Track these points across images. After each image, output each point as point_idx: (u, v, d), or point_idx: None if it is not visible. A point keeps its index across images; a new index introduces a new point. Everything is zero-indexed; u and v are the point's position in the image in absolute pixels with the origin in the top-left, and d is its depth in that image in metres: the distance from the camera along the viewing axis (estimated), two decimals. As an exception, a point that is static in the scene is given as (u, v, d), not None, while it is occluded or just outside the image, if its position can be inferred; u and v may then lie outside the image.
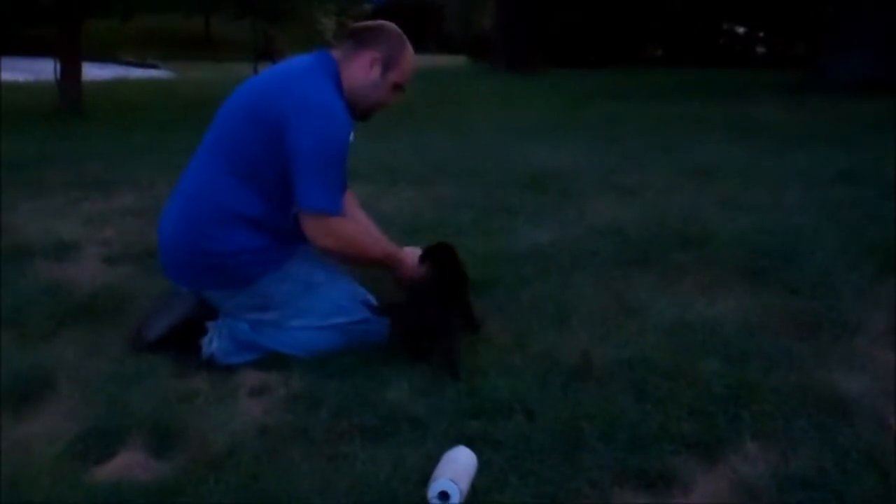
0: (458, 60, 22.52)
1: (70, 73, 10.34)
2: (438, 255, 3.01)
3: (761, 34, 24.42)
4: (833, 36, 12.59)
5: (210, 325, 2.90)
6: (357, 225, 3.06)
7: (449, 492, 2.01)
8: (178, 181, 3.01)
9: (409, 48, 3.00)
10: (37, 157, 6.74)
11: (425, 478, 2.09)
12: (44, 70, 12.81)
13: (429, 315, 2.81)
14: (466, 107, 10.55)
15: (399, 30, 3.00)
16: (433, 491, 2.02)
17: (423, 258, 3.01)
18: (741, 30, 24.58)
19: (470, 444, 2.22)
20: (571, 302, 3.30)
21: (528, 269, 3.70)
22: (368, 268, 3.11)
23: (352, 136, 2.88)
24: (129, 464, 2.26)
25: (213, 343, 2.86)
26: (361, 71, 2.91)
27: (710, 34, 23.58)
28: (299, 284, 2.89)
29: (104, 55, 20.72)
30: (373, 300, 2.97)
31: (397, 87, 3.00)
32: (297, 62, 2.96)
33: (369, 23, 3.05)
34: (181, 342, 2.89)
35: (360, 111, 2.95)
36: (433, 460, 2.16)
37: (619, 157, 6.53)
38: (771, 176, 5.66)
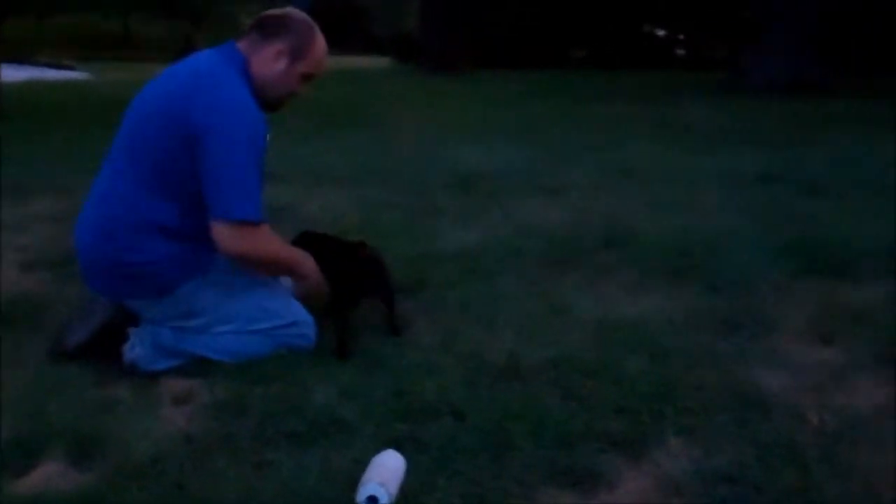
0: (384, 62, 22.50)
1: (-16, 74, 10.09)
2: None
3: (681, 37, 24.86)
4: (753, 38, 12.86)
5: (132, 331, 2.84)
6: (272, 232, 2.85)
7: (377, 496, 2.00)
8: (92, 186, 2.92)
9: (319, 37, 2.89)
10: (-50, 161, 6.55)
11: (354, 482, 2.08)
12: (-43, 71, 12.48)
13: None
14: (392, 108, 10.54)
15: (307, 18, 2.89)
16: (362, 495, 2.01)
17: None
18: (661, 32, 24.98)
19: (398, 447, 2.22)
20: (498, 302, 3.32)
21: (455, 270, 3.71)
22: (277, 275, 3.00)
23: (268, 136, 2.79)
24: (50, 475, 2.21)
25: (134, 349, 2.80)
26: (267, 64, 2.80)
27: (632, 37, 23.91)
28: (221, 290, 2.82)
29: (20, 56, 20.25)
30: (297, 304, 2.95)
31: (307, 77, 2.89)
32: (203, 59, 2.82)
33: (274, 11, 2.90)
34: (101, 350, 2.82)
35: (268, 103, 2.83)
36: (361, 464, 2.15)
37: (544, 158, 6.58)
38: (693, 176, 5.76)
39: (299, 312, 2.93)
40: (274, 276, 2.97)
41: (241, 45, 2.83)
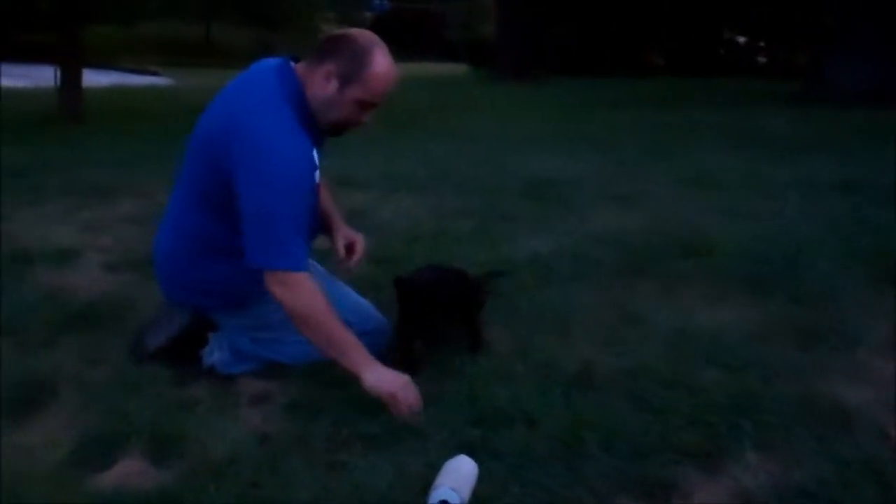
0: (459, 68, 22.53)
1: (70, 79, 10.35)
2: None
3: (762, 43, 24.46)
4: (835, 46, 12.60)
5: (211, 335, 2.89)
6: (313, 286, 2.57)
7: (450, 500, 2.00)
8: (168, 203, 2.96)
9: (379, 61, 2.58)
10: (36, 163, 6.73)
11: (426, 486, 2.09)
12: (44, 76, 12.82)
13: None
14: (467, 115, 10.55)
15: (370, 40, 2.60)
16: (434, 499, 2.02)
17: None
18: (742, 39, 24.62)
19: (471, 453, 2.22)
20: (572, 311, 3.30)
21: (529, 277, 3.70)
22: (325, 349, 2.60)
23: (317, 161, 2.64)
24: (129, 471, 2.26)
25: (213, 354, 2.86)
26: (319, 86, 2.58)
27: (711, 43, 23.60)
28: None
29: (104, 62, 20.73)
30: (372, 310, 2.97)
31: (363, 104, 2.62)
32: (256, 80, 2.66)
33: (336, 31, 2.68)
34: (181, 353, 2.87)
35: (325, 129, 2.67)
36: (434, 469, 2.15)
37: (619, 166, 6.53)
38: (772, 185, 5.66)
39: (375, 321, 2.95)
40: (319, 342, 2.60)
41: (300, 66, 2.65)
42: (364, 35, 2.62)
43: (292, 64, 2.66)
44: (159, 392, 2.68)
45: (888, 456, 2.26)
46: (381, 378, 2.51)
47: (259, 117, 2.53)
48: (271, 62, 2.69)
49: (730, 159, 6.83)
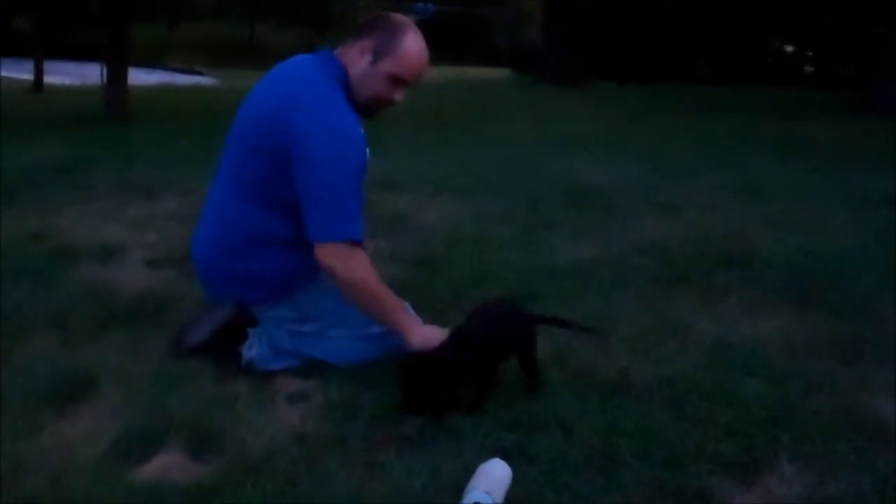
0: (504, 73, 22.51)
1: (117, 77, 10.47)
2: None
3: (810, 53, 24.20)
4: (884, 57, 12.44)
5: (251, 331, 2.92)
6: (366, 257, 2.72)
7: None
8: (206, 197, 3.01)
9: (411, 37, 2.71)
10: (83, 160, 6.83)
11: (460, 489, 2.10)
12: (91, 74, 13.01)
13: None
14: (510, 120, 10.55)
15: (404, 20, 2.75)
16: (467, 501, 2.02)
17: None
18: (790, 48, 24.37)
19: (506, 457, 2.23)
20: (611, 318, 3.29)
21: (569, 284, 3.69)
22: (376, 314, 2.77)
23: (367, 153, 2.74)
24: (169, 465, 2.29)
25: (252, 349, 2.89)
26: (354, 63, 2.72)
27: (758, 52, 23.40)
28: (335, 297, 2.81)
29: (151, 61, 20.99)
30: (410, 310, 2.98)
31: (395, 79, 2.73)
32: (300, 70, 2.77)
33: (372, 13, 2.86)
34: (221, 348, 2.91)
35: (361, 108, 2.75)
36: (469, 471, 2.16)
37: (663, 174, 6.49)
38: (818, 196, 5.60)
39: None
40: (368, 310, 2.76)
41: (339, 51, 2.77)
42: (398, 15, 2.78)
43: (332, 52, 2.78)
44: (199, 388, 2.71)
45: (929, 472, 2.23)
46: (425, 335, 2.67)
47: (318, 96, 2.64)
48: (307, 54, 2.83)
49: (776, 169, 6.77)
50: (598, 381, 2.73)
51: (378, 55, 2.70)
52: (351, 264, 2.65)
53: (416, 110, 8.51)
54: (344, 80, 2.72)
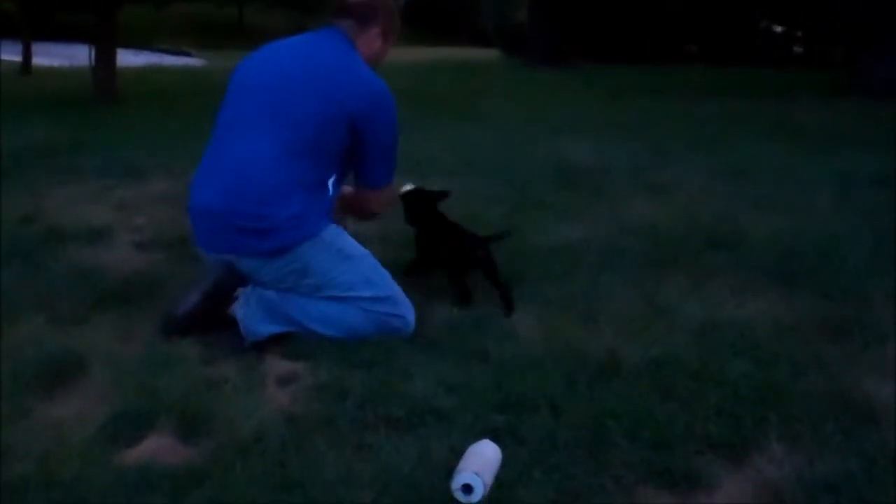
0: (491, 54, 22.48)
1: (105, 59, 10.41)
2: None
3: (799, 34, 24.21)
4: (873, 38, 12.45)
5: (240, 290, 2.97)
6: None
7: (473, 484, 2.01)
8: (213, 153, 3.04)
9: (398, 7, 3.29)
10: (71, 142, 6.80)
11: (450, 470, 2.10)
12: (79, 56, 12.92)
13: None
14: (499, 101, 10.53)
15: None
16: (457, 483, 2.03)
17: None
18: (778, 29, 24.37)
19: (495, 438, 2.23)
20: (600, 300, 3.30)
21: (558, 265, 3.70)
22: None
23: None
24: (158, 448, 2.29)
25: (241, 308, 2.92)
26: (370, 46, 3.13)
27: (747, 33, 23.39)
28: (335, 254, 2.94)
29: (139, 42, 20.87)
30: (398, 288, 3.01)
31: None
32: (329, 45, 3.08)
33: None
34: (211, 311, 2.93)
35: None
36: (458, 453, 2.16)
37: (652, 155, 6.50)
38: (806, 178, 5.61)
39: (392, 287, 3.01)
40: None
41: (344, 30, 3.09)
42: None
43: (341, 30, 3.09)
44: (188, 370, 2.71)
45: (915, 452, 2.24)
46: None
47: (368, 73, 3.03)
48: (313, 34, 3.19)
49: (764, 151, 6.78)
50: (587, 362, 2.74)
51: (387, 34, 3.18)
52: (388, 198, 3.32)
53: (404, 91, 8.51)
54: (355, 50, 3.08)
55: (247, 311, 2.92)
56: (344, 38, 3.06)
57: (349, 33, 3.07)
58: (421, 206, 3.55)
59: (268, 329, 2.91)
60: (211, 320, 2.94)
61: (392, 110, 3.03)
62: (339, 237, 3.00)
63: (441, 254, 3.43)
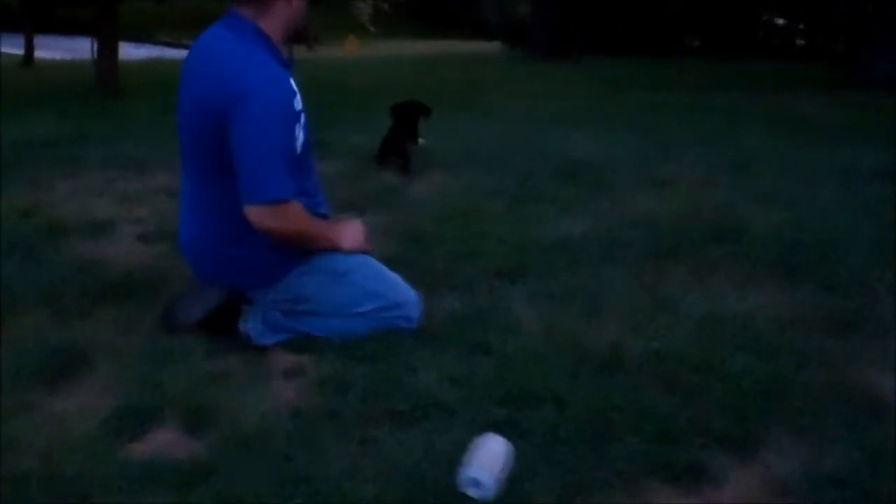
0: (493, 47, 22.41)
1: (107, 52, 10.38)
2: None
3: (801, 27, 24.15)
4: (875, 31, 12.42)
5: (245, 307, 2.93)
6: (300, 206, 2.79)
7: (481, 479, 2.02)
8: (181, 192, 3.01)
9: None
10: (73, 135, 6.78)
11: (454, 463, 2.11)
12: (81, 49, 12.91)
13: None
14: (501, 94, 10.50)
15: None
16: (465, 476, 2.03)
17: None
18: (780, 21, 24.31)
19: (499, 432, 2.23)
20: (602, 293, 3.30)
21: (560, 258, 3.70)
22: (317, 250, 2.90)
23: (299, 102, 2.76)
24: (163, 441, 2.30)
25: (248, 324, 2.90)
26: (286, 8, 2.77)
27: (749, 25, 23.33)
28: (326, 276, 2.88)
29: (141, 35, 20.84)
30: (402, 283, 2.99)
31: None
32: (214, 41, 2.81)
33: None
34: (217, 326, 2.90)
35: (296, 39, 2.87)
36: (462, 447, 2.17)
37: (654, 148, 6.48)
38: (808, 171, 5.59)
39: (405, 293, 2.97)
40: (307, 249, 2.88)
41: (244, 12, 2.75)
42: None
43: (234, 12, 2.78)
44: (193, 363, 2.71)
45: (919, 445, 2.25)
46: (351, 238, 2.96)
47: (233, 67, 2.69)
48: (214, 27, 2.85)
49: (766, 144, 6.76)
50: (590, 356, 2.74)
51: None
52: (282, 220, 2.72)
53: (406, 85, 8.49)
54: (260, 36, 2.75)
55: (254, 326, 2.90)
56: (241, 23, 2.75)
57: (252, 15, 2.74)
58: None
59: (273, 339, 2.90)
60: (217, 329, 2.92)
61: (259, 106, 2.62)
62: (330, 255, 2.91)
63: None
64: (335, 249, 2.91)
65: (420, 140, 5.80)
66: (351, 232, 2.99)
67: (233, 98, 2.61)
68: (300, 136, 2.76)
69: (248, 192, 2.66)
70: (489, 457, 2.10)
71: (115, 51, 10.49)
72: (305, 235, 2.84)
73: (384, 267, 3.03)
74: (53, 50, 16.20)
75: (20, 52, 15.08)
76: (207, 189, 2.85)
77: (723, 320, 3.04)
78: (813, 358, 2.75)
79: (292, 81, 2.77)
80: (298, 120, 2.75)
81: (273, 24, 2.77)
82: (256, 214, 2.67)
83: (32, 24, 15.29)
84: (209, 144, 2.72)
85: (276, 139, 2.67)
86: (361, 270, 2.96)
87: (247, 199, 2.66)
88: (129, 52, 13.52)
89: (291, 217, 2.74)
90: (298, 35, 3.01)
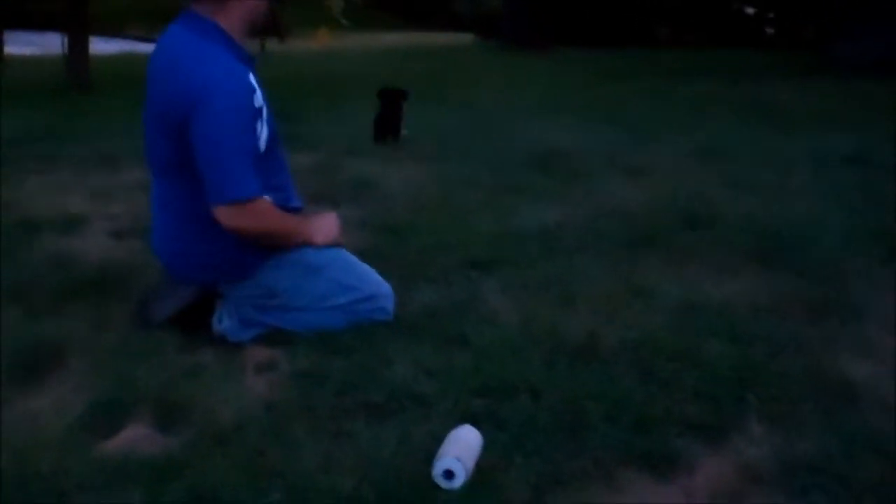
0: (466, 38, 22.37)
1: (77, 47, 10.28)
2: None
3: (771, 15, 24.26)
4: (844, 18, 12.50)
5: (218, 303, 2.90)
6: (268, 203, 2.76)
7: (454, 470, 2.01)
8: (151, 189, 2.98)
9: None
10: (44, 131, 6.72)
11: (430, 456, 2.10)
12: (51, 44, 12.77)
13: None
14: (474, 85, 10.48)
15: None
16: (438, 469, 2.03)
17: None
18: (750, 10, 24.41)
19: (475, 423, 2.23)
20: (577, 282, 3.30)
21: (534, 248, 3.70)
22: (289, 246, 2.87)
23: (260, 98, 2.70)
24: (136, 437, 2.27)
25: (223, 322, 2.87)
26: (241, 10, 2.72)
27: (719, 14, 23.41)
28: (299, 270, 2.86)
29: (111, 30, 20.65)
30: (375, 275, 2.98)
31: None
32: (170, 43, 2.77)
33: None
34: (190, 322, 2.88)
35: (256, 32, 2.84)
36: (438, 438, 2.16)
37: (626, 137, 6.50)
38: (779, 158, 5.64)
39: (378, 284, 2.96)
40: (279, 246, 2.85)
41: (201, 10, 2.70)
42: None
43: (192, 11, 2.73)
44: (166, 359, 2.69)
45: (893, 430, 2.26)
46: (324, 232, 2.93)
47: (187, 69, 2.65)
48: (173, 27, 2.79)
49: (738, 132, 6.80)
50: (566, 345, 2.74)
51: None
52: (249, 219, 2.69)
53: (379, 76, 8.46)
54: (219, 34, 2.70)
55: (229, 324, 2.88)
56: (199, 24, 2.70)
57: (209, 12, 2.69)
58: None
59: (251, 333, 2.88)
60: (190, 325, 2.89)
61: (216, 104, 2.59)
62: (302, 248, 2.88)
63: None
64: (307, 244, 2.89)
65: (403, 132, 6.23)
66: (323, 225, 2.97)
67: (190, 100, 2.59)
68: (263, 132, 2.71)
69: (213, 193, 2.64)
70: (462, 447, 2.10)
71: (85, 45, 10.39)
72: (276, 233, 2.82)
73: (357, 259, 3.02)
74: (23, 45, 16.00)
75: (-10, 48, 14.90)
76: (174, 189, 2.82)
77: (698, 308, 3.06)
78: (787, 344, 2.76)
79: (252, 77, 2.71)
80: (260, 116, 2.70)
81: (231, 19, 2.72)
82: (223, 215, 2.65)
83: (2, 19, 15.10)
84: (172, 147, 2.70)
85: (236, 138, 2.64)
86: (334, 264, 2.95)
87: (213, 199, 2.64)
88: (100, 46, 13.38)
89: (259, 215, 2.71)
90: (267, 28, 2.91)
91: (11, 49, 14.92)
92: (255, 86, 2.71)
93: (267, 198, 2.73)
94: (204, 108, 2.58)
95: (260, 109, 2.71)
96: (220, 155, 2.63)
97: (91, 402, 2.42)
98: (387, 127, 6.23)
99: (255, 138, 2.69)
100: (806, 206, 4.34)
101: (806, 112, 7.93)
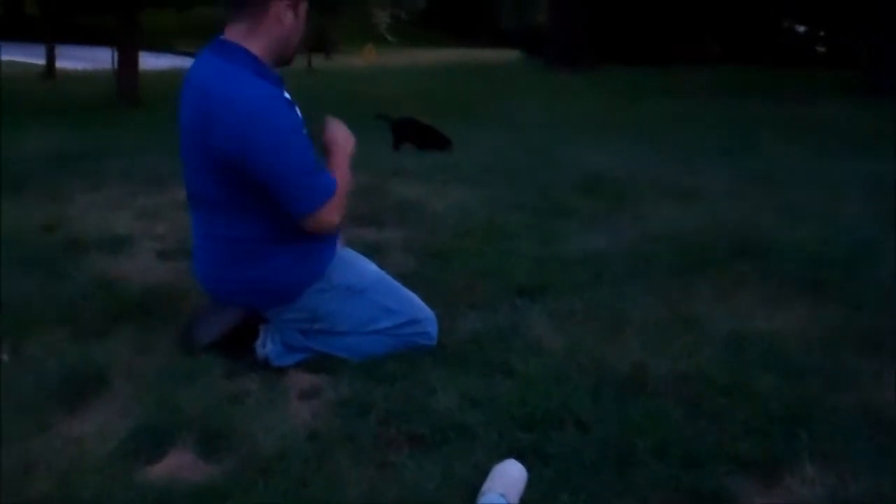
0: (512, 55, 22.41)
1: (127, 62, 10.45)
2: None
3: (822, 33, 24.02)
4: (890, 38, 12.33)
5: (262, 328, 2.90)
6: (335, 182, 2.77)
7: (499, 507, 1.98)
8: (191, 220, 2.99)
9: None
10: (93, 148, 6.80)
11: (474, 490, 2.07)
12: (101, 59, 12.98)
13: None
14: (520, 104, 10.49)
15: None
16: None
17: None
18: (801, 28, 24.19)
19: (520, 457, 2.20)
20: (625, 311, 3.25)
21: (582, 275, 3.65)
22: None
23: (299, 114, 2.75)
24: (180, 464, 2.27)
25: (266, 346, 2.87)
26: (276, 28, 2.70)
27: (770, 32, 23.22)
28: (342, 294, 2.85)
29: (161, 45, 20.94)
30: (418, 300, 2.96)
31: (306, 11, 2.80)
32: (202, 72, 2.74)
33: None
34: (234, 346, 2.88)
35: (286, 61, 2.82)
36: (482, 472, 2.13)
37: (675, 160, 6.44)
38: (833, 182, 5.54)
39: (420, 309, 2.94)
40: None
41: (231, 36, 2.71)
42: None
43: (222, 37, 2.73)
44: (210, 384, 2.68)
45: (951, 471, 2.19)
46: (345, 143, 2.94)
47: (232, 97, 2.61)
48: (203, 53, 2.79)
49: (788, 154, 6.71)
50: (613, 377, 2.69)
51: (296, 4, 2.73)
52: (337, 213, 2.77)
53: (424, 96, 8.48)
54: (248, 59, 2.68)
55: (273, 349, 2.88)
56: (228, 49, 2.69)
57: (238, 38, 2.69)
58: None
59: (292, 359, 2.87)
60: (234, 350, 2.90)
61: (268, 132, 2.60)
62: (346, 272, 2.90)
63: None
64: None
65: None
66: (341, 137, 2.95)
67: (240, 134, 2.58)
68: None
69: (302, 206, 2.67)
70: (506, 483, 2.06)
71: (135, 61, 10.56)
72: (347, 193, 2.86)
73: (399, 284, 3.01)
74: (74, 60, 16.29)
75: (41, 61, 15.16)
76: (216, 216, 2.81)
77: (749, 339, 2.99)
78: (841, 379, 2.69)
79: (287, 94, 2.76)
80: (304, 126, 2.75)
81: (261, 44, 2.70)
82: (315, 221, 2.71)
83: (53, 33, 15.35)
84: (213, 175, 2.70)
85: (298, 148, 2.67)
86: (380, 286, 2.94)
87: (304, 210, 2.68)
88: (150, 62, 13.59)
89: (341, 196, 2.77)
90: (315, 45, 2.88)
91: (62, 63, 15.18)
92: (292, 101, 2.76)
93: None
94: (255, 136, 2.58)
95: (302, 121, 2.75)
96: (289, 171, 2.65)
97: (135, 428, 2.42)
98: (406, 135, 7.29)
99: (309, 143, 2.73)
100: (860, 232, 4.25)
101: (857, 134, 7.82)
